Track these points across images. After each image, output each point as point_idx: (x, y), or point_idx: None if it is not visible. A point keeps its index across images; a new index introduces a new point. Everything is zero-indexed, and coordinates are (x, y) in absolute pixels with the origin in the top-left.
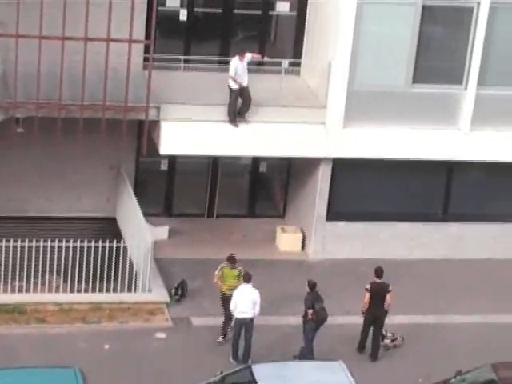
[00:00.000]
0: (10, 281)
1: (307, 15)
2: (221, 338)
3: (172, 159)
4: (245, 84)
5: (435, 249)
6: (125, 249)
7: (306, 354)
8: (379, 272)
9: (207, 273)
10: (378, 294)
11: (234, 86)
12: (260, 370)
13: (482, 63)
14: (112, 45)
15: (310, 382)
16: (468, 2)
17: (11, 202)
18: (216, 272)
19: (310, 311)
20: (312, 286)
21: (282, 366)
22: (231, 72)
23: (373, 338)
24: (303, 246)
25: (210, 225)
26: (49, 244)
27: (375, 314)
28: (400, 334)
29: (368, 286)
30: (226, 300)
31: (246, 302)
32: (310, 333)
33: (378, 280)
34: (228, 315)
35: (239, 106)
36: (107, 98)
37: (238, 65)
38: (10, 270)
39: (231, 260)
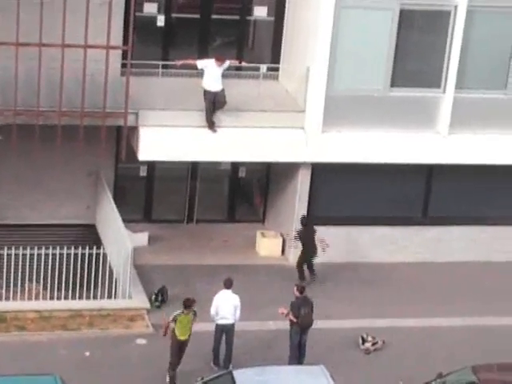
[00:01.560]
0: None
1: (285, 20)
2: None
3: (151, 165)
4: (217, 89)
5: (415, 252)
6: (104, 255)
7: (290, 358)
8: (303, 220)
9: (187, 279)
10: (308, 238)
11: (205, 87)
12: (241, 375)
13: (460, 66)
14: (90, 51)
15: None
16: (445, 6)
17: None
18: (170, 319)
19: (291, 316)
20: (301, 289)
21: (263, 370)
22: (198, 64)
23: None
24: (283, 251)
25: (189, 230)
26: (28, 251)
27: (308, 256)
28: (381, 337)
29: (296, 234)
30: (178, 346)
31: (227, 307)
32: (294, 338)
33: (303, 228)
34: (175, 361)
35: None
36: (85, 104)
37: (210, 66)
38: None
39: (189, 303)
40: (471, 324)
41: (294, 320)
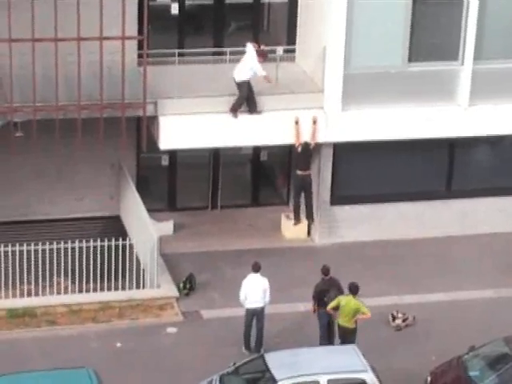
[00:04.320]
0: (18, 285)
1: (299, 1)
2: None
3: (172, 153)
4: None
5: (441, 226)
6: (131, 246)
7: (320, 339)
8: (306, 145)
9: (215, 265)
10: (304, 154)
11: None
12: (273, 358)
13: (477, 37)
14: (106, 43)
15: (324, 366)
16: None
17: (14, 206)
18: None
19: (313, 303)
20: (325, 271)
21: (295, 352)
22: (262, 71)
23: (306, 202)
24: (309, 232)
25: (214, 217)
26: (55, 246)
27: (303, 178)
28: (411, 313)
29: (299, 148)
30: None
31: (256, 291)
32: (323, 318)
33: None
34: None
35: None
36: (104, 96)
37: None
38: (17, 274)
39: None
40: (501, 296)
41: (313, 305)
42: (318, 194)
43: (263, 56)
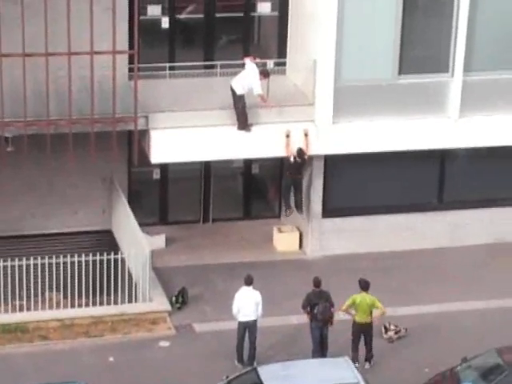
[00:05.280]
0: (10, 300)
1: (289, 14)
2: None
3: (164, 167)
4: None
5: (432, 238)
6: (123, 260)
7: (313, 352)
8: (301, 152)
9: (207, 278)
10: (297, 164)
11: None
12: (266, 371)
13: (467, 49)
14: (97, 57)
15: (317, 379)
16: None
17: (6, 221)
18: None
19: (305, 310)
20: (316, 283)
21: (288, 365)
22: (260, 90)
23: (295, 196)
24: (301, 245)
25: (206, 230)
26: (46, 261)
27: (294, 178)
28: (403, 325)
29: (292, 158)
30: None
31: (248, 304)
32: (315, 331)
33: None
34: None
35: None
36: (95, 110)
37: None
38: (9, 289)
39: (367, 285)
40: (493, 307)
41: (307, 313)
42: (309, 206)
43: (265, 76)
